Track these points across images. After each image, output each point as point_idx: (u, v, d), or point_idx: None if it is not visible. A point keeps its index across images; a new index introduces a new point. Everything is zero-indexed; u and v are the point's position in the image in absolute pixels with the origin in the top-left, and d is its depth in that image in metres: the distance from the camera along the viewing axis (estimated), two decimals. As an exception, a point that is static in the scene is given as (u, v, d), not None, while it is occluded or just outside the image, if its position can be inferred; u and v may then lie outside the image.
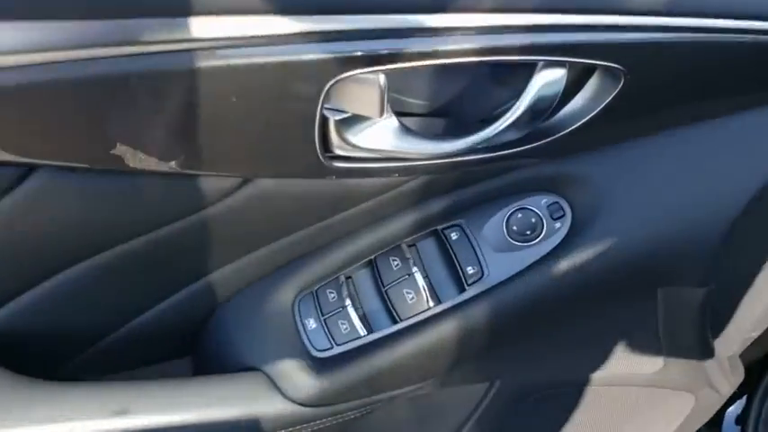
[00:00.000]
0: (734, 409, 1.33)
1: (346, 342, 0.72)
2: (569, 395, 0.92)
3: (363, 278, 0.74)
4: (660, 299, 0.77)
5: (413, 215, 0.72)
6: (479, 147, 0.63)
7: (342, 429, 0.77)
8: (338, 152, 0.62)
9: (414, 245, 0.75)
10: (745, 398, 1.32)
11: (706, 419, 1.05)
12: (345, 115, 0.60)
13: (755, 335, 1.02)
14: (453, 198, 0.72)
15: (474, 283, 0.71)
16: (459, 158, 0.64)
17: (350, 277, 0.75)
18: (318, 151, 0.59)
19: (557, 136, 0.65)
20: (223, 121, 0.57)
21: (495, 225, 0.73)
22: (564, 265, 0.70)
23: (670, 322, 0.80)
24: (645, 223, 0.69)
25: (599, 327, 0.81)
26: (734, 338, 0.93)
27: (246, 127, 0.58)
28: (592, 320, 0.80)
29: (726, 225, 0.69)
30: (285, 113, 0.57)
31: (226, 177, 0.62)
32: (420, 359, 0.72)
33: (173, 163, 0.58)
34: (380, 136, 0.61)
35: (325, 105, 0.58)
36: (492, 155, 0.65)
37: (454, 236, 0.73)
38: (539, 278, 0.70)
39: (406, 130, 0.63)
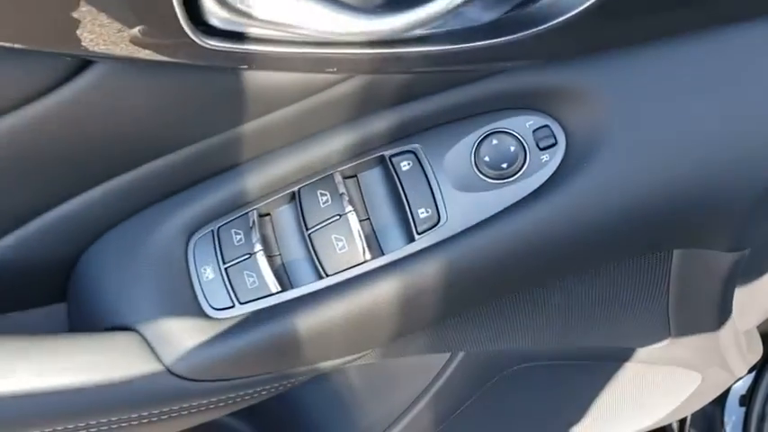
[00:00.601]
0: (739, 387, 1.20)
1: (252, 300, 0.54)
2: (555, 370, 0.76)
3: (281, 217, 0.56)
4: (675, 263, 0.58)
5: (349, 134, 0.53)
6: (434, 33, 0.44)
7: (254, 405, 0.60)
8: (213, 22, 0.42)
9: (353, 176, 0.56)
10: (752, 375, 1.18)
11: (711, 398, 0.92)
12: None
13: None
14: (406, 113, 0.53)
15: (427, 231, 0.53)
16: (404, 49, 0.44)
17: (265, 215, 0.56)
18: (180, 16, 0.39)
19: (543, 27, 0.45)
20: None
21: (459, 153, 0.54)
22: (550, 211, 0.51)
23: (685, 293, 0.62)
24: (663, 160, 0.50)
25: (593, 292, 0.63)
26: (755, 311, 0.76)
27: None
28: (584, 284, 0.62)
29: None
30: None
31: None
32: (350, 326, 0.54)
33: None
34: (278, 1, 0.41)
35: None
36: (452, 47, 0.45)
37: (405, 166, 0.54)
38: (515, 228, 0.51)
39: None
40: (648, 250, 0.57)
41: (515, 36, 0.45)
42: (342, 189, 0.54)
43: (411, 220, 0.53)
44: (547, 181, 0.52)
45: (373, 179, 0.55)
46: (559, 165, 0.52)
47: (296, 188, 0.55)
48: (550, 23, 0.44)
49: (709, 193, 0.50)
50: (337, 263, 0.53)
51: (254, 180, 0.55)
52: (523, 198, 0.52)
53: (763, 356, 1.13)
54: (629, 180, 0.50)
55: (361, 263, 0.53)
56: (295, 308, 0.53)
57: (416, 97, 0.52)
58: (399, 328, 0.56)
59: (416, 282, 0.52)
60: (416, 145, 0.54)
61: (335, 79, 0.49)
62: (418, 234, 0.53)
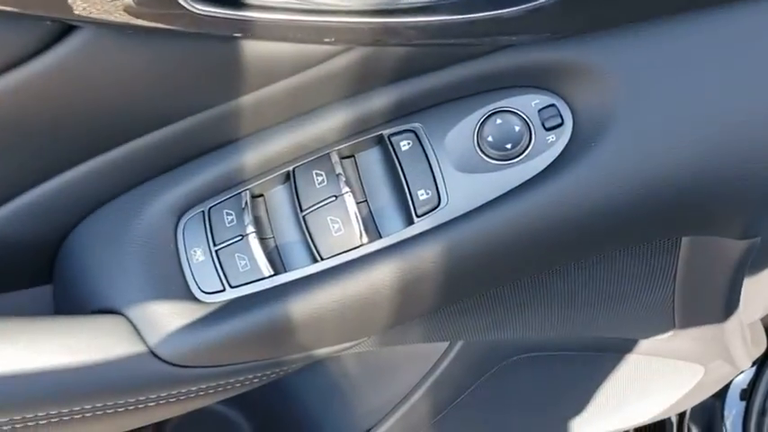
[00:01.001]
0: (740, 381, 1.18)
1: (244, 284, 0.52)
2: (555, 361, 0.74)
3: (275, 197, 0.54)
4: (684, 251, 0.56)
5: (347, 111, 0.51)
6: (435, 3, 0.41)
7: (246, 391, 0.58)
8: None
9: (351, 156, 0.54)
10: (753, 369, 1.16)
11: (713, 392, 0.91)
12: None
13: None
14: (406, 90, 0.50)
15: (427, 213, 0.50)
16: (404, 19, 0.42)
17: (258, 196, 0.54)
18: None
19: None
20: None
21: (461, 133, 0.51)
22: (556, 194, 0.49)
23: (692, 282, 0.59)
24: (673, 142, 0.48)
25: (597, 280, 0.61)
26: (760, 302, 0.74)
27: None
28: (588, 272, 0.60)
29: None
30: None
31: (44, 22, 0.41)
32: (345, 312, 0.52)
33: None
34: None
35: None
36: (453, 17, 0.43)
37: (405, 145, 0.52)
38: (518, 211, 0.49)
39: None
40: (656, 237, 0.54)
41: (518, 8, 0.42)
42: (338, 169, 0.51)
43: (410, 202, 0.51)
44: (553, 162, 0.50)
45: (371, 159, 0.53)
46: (566, 146, 0.50)
47: (291, 168, 0.53)
48: None
49: (721, 177, 0.48)
50: (333, 246, 0.51)
51: (247, 159, 0.53)
52: (528, 180, 0.50)
53: (765, 350, 1.11)
54: (638, 162, 0.47)
55: (358, 246, 0.51)
56: (288, 292, 0.51)
57: (417, 73, 0.50)
58: (397, 314, 0.54)
59: (415, 266, 0.50)
60: (417, 124, 0.52)
61: (333, 51, 0.46)
62: (418, 217, 0.50)
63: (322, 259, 0.52)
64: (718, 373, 0.84)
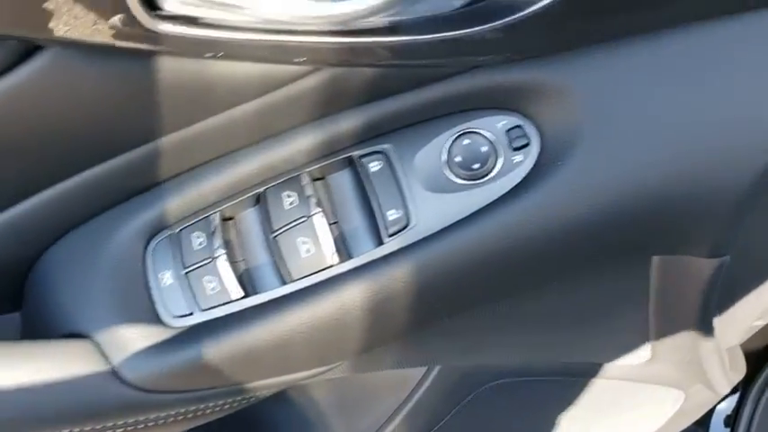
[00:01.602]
0: (724, 408, 1.17)
1: (213, 307, 0.51)
2: (533, 386, 0.74)
3: (245, 220, 0.53)
4: (655, 269, 0.56)
5: (316, 133, 0.51)
6: (401, 22, 0.42)
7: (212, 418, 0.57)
8: (167, 6, 0.40)
9: (322, 177, 0.54)
10: (737, 395, 1.16)
11: (695, 418, 0.90)
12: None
13: (761, 324, 0.84)
14: (375, 112, 0.51)
15: (396, 233, 0.51)
16: (369, 39, 0.42)
17: (229, 218, 0.54)
18: (129, 1, 0.37)
19: (511, 19, 0.43)
20: None
21: (430, 154, 0.52)
22: (523, 214, 0.49)
23: (665, 302, 0.60)
24: (639, 160, 0.48)
25: (569, 303, 0.61)
26: (737, 327, 0.74)
27: None
28: (560, 294, 0.60)
29: (757, 167, 0.48)
30: None
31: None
32: (316, 335, 0.51)
33: None
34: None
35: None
36: (419, 38, 0.43)
37: (375, 167, 0.52)
38: (486, 231, 0.49)
39: None
40: (626, 256, 0.55)
41: (483, 28, 0.43)
42: (309, 191, 0.51)
43: (380, 222, 0.51)
44: (520, 182, 0.50)
45: (342, 180, 0.53)
46: (533, 166, 0.50)
47: (261, 189, 0.53)
48: (518, 15, 0.43)
49: (687, 195, 0.48)
50: (302, 267, 0.51)
51: (217, 181, 0.53)
52: (496, 200, 0.50)
53: (746, 375, 1.11)
54: (605, 181, 0.48)
55: (328, 267, 0.51)
56: (257, 315, 0.51)
57: (386, 95, 0.50)
58: (368, 338, 0.54)
59: (385, 287, 0.50)
60: (386, 145, 0.52)
61: (301, 72, 0.47)
62: (388, 237, 0.51)
63: (292, 281, 0.51)
64: (699, 399, 0.83)
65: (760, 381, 1.12)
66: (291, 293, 0.51)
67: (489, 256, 0.50)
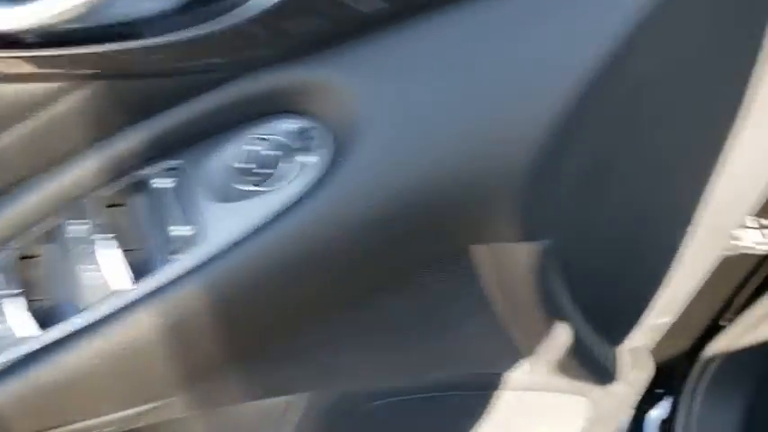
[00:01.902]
0: (658, 414, 1.14)
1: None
2: (422, 404, 0.70)
3: (45, 254, 0.50)
4: (483, 264, 0.54)
5: (101, 154, 0.48)
6: (85, 28, 0.40)
7: None
8: None
9: (121, 204, 0.51)
10: (670, 401, 1.13)
11: (614, 426, 0.85)
12: None
13: (665, 321, 0.82)
14: (158, 126, 0.48)
15: (185, 250, 0.48)
16: (64, 50, 0.40)
17: (26, 257, 0.51)
18: None
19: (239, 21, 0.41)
20: None
21: (220, 165, 0.49)
22: (315, 216, 0.46)
23: (511, 301, 0.57)
24: (420, 149, 0.46)
25: (414, 311, 0.58)
26: (634, 326, 0.71)
27: None
28: (400, 302, 0.57)
29: (541, 137, 0.46)
30: None
31: None
32: (117, 369, 0.48)
33: None
34: None
35: None
36: (122, 46, 0.41)
37: (164, 185, 0.49)
38: (277, 237, 0.47)
39: None
40: (438, 250, 0.52)
41: (201, 28, 0.41)
42: (99, 218, 0.49)
43: (171, 241, 0.48)
44: (310, 185, 0.48)
45: (133, 202, 0.50)
46: (322, 166, 0.48)
47: (52, 221, 0.50)
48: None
49: (470, 179, 0.46)
50: (95, 297, 0.48)
51: (7, 216, 0.50)
52: (291, 204, 0.48)
53: (677, 376, 1.08)
54: (387, 174, 0.46)
55: (120, 294, 0.48)
56: (49, 353, 0.47)
57: (164, 108, 0.48)
58: (180, 367, 0.50)
59: (178, 308, 0.47)
60: (177, 161, 0.50)
61: (58, 90, 0.45)
62: (176, 255, 0.48)
63: (85, 312, 0.48)
64: (607, 404, 0.80)
65: (691, 380, 1.09)
66: (86, 327, 0.48)
67: (284, 264, 0.47)
